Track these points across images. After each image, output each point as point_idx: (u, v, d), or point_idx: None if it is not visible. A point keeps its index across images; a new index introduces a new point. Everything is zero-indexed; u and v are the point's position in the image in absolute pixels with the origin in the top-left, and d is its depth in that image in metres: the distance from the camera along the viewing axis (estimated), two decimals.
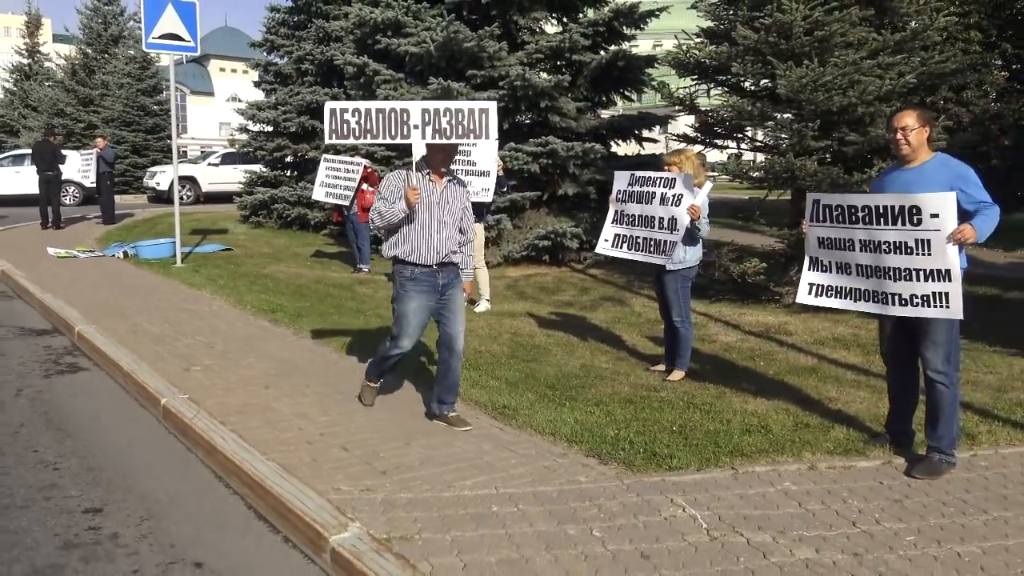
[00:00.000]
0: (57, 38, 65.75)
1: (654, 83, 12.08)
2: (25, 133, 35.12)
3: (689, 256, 5.75)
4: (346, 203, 10.67)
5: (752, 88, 9.19)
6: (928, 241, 4.00)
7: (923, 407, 4.35)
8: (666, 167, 5.80)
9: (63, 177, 16.14)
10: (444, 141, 4.53)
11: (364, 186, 10.66)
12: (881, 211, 4.16)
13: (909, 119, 4.19)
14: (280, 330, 7.07)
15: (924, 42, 8.74)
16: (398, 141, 4.55)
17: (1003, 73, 15.71)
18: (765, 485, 3.86)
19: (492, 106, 4.56)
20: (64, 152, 16.49)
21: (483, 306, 8.18)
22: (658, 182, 5.67)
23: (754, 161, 9.31)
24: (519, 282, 10.29)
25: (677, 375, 5.75)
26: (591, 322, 7.81)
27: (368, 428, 4.56)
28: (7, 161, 23.67)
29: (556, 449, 4.31)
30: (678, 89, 9.70)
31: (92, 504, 3.71)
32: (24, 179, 21.06)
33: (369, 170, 10.85)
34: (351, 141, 4.66)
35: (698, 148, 8.94)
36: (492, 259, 11.21)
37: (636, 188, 5.79)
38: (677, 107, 9.70)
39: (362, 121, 4.52)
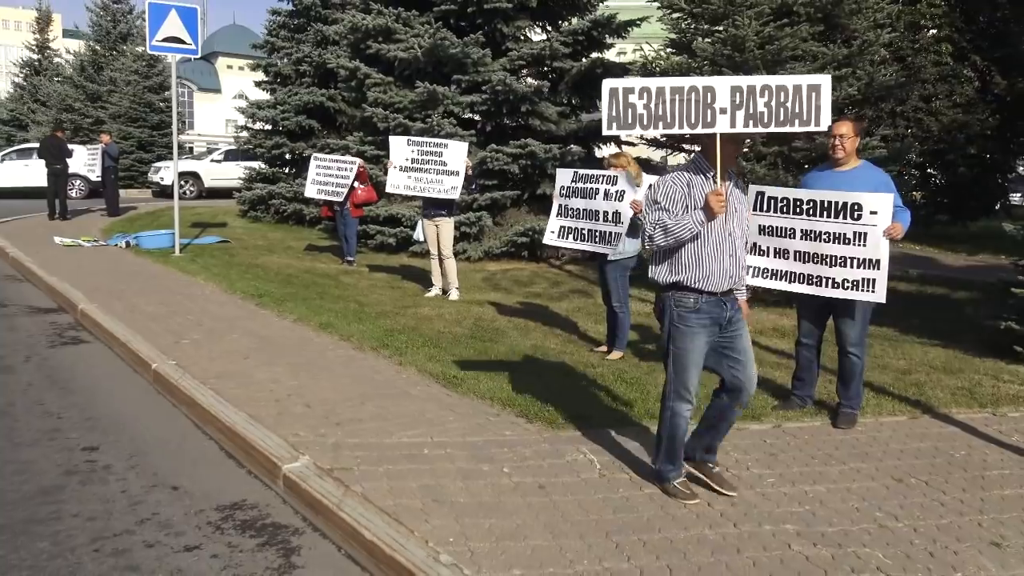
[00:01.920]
0: (67, 33, 66.71)
1: None
2: (34, 127, 35.86)
3: (628, 248, 6.42)
4: (339, 199, 11.32)
5: None
6: (865, 234, 4.68)
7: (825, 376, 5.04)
8: (609, 168, 6.47)
9: (70, 171, 16.87)
10: (760, 129, 3.56)
11: (356, 184, 11.34)
12: (825, 205, 4.81)
13: (846, 128, 4.91)
14: (265, 312, 7.75)
15: (871, 56, 9.37)
16: (699, 131, 3.55)
17: (975, 84, 16.33)
18: None
19: (826, 81, 3.52)
20: (71, 147, 17.22)
21: (453, 295, 8.85)
22: (600, 179, 6.36)
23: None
24: (496, 275, 10.94)
25: (616, 354, 6.42)
26: (553, 311, 8.47)
27: (331, 391, 5.24)
28: (15, 155, 24.41)
29: (491, 410, 4.98)
30: None
31: (89, 444, 4.41)
32: (32, 172, 21.78)
33: (361, 168, 11.53)
34: (637, 131, 3.70)
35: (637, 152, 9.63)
36: (473, 254, 11.91)
37: (579, 184, 6.47)
38: None
39: (652, 105, 3.58)
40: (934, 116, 15.77)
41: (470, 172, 8.76)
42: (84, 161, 19.06)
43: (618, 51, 11.71)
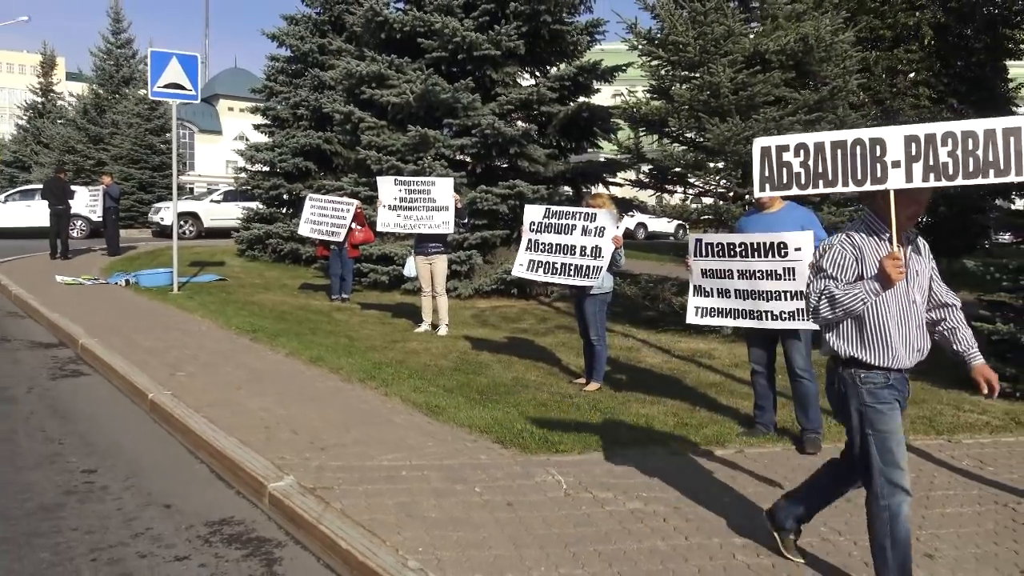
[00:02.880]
0: (70, 76, 67.76)
1: (615, 133, 13.23)
2: (37, 169, 36.44)
3: (606, 283, 6.75)
4: (337, 239, 11.66)
5: (691, 139, 10.27)
6: (793, 269, 5.08)
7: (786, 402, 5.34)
8: (588, 207, 6.83)
9: (72, 211, 17.28)
10: (944, 183, 3.10)
11: (353, 224, 11.71)
12: (755, 247, 5.24)
13: None
14: (258, 346, 8.05)
15: (841, 101, 9.79)
16: (866, 188, 3.18)
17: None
18: (629, 463, 4.80)
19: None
20: (73, 188, 17.65)
21: (442, 330, 9.15)
22: (578, 216, 6.71)
23: (691, 205, 10.31)
24: (485, 312, 11.26)
25: (593, 386, 6.71)
26: (537, 344, 8.77)
27: (318, 419, 5.52)
28: (18, 195, 24.86)
29: (469, 437, 5.26)
30: (627, 139, 10.81)
31: (88, 467, 4.69)
32: (34, 212, 22.21)
33: (359, 209, 11.90)
34: (793, 191, 3.38)
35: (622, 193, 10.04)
36: (464, 291, 12.23)
37: (552, 220, 6.83)
38: (626, 155, 10.81)
39: (810, 163, 3.30)
40: None
41: (459, 206, 9.12)
42: (86, 202, 19.50)
43: (614, 92, 12.13)
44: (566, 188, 13.98)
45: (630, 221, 29.13)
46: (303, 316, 10.14)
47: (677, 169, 10.09)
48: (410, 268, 9.64)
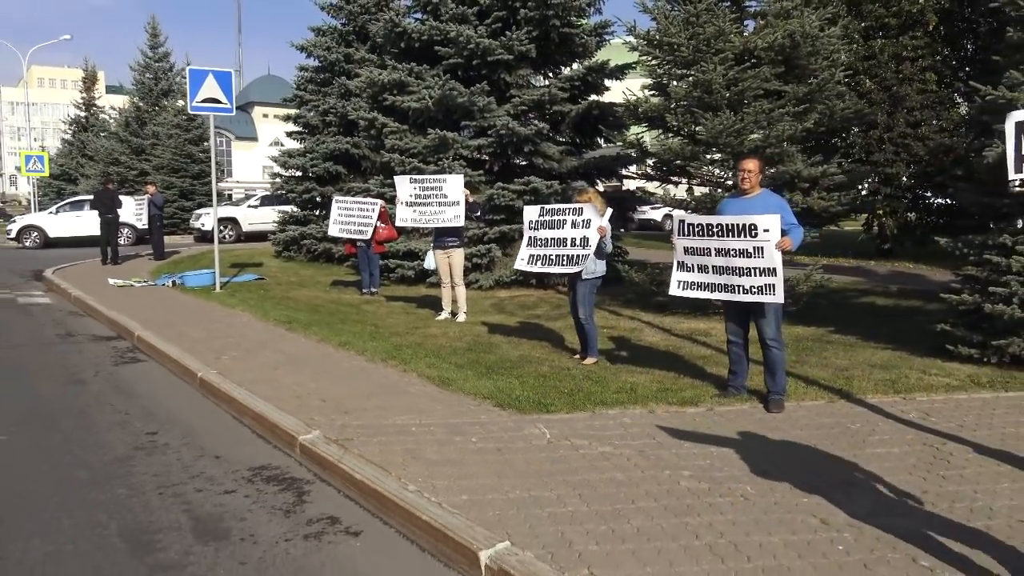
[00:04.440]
0: (110, 89, 69.98)
1: (626, 128, 13.92)
2: (83, 181, 38.08)
3: (597, 268, 7.50)
4: (364, 238, 12.53)
5: (688, 133, 10.94)
6: (762, 248, 5.77)
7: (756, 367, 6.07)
8: (576, 203, 7.58)
9: (119, 220, 18.44)
10: None
11: (378, 223, 12.57)
12: (730, 227, 5.94)
13: (752, 164, 6.06)
14: (293, 335, 8.93)
15: (829, 92, 10.39)
16: None
17: (962, 109, 17.22)
18: (608, 420, 5.56)
19: None
20: (120, 198, 18.82)
21: (461, 317, 9.96)
22: (567, 211, 7.48)
23: (691, 195, 10.97)
24: (503, 301, 12.04)
25: (590, 360, 7.47)
26: (547, 328, 9.53)
27: (344, 392, 6.36)
28: (68, 206, 26.23)
29: (472, 402, 6.06)
30: (631, 135, 11.53)
31: (150, 429, 5.60)
32: (84, 222, 23.52)
33: (382, 209, 12.75)
34: None
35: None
36: (485, 283, 13.03)
37: (546, 218, 7.59)
38: (629, 149, 11.53)
39: None
40: (921, 141, 16.67)
41: (471, 200, 9.92)
42: (132, 211, 20.67)
43: (624, 89, 12.80)
44: (581, 183, 14.68)
45: (657, 213, 29.74)
46: (334, 308, 11.02)
47: (677, 162, 10.77)
48: (430, 261, 10.45)
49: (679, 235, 6.32)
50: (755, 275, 5.80)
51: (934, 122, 16.68)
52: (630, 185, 15.70)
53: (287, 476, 4.68)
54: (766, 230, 5.73)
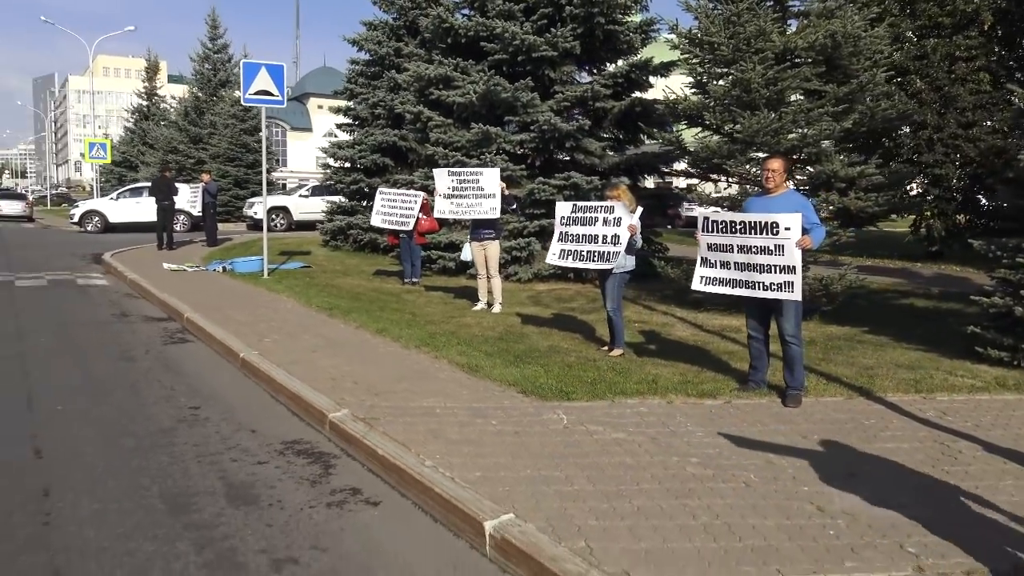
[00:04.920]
0: (172, 79, 71.83)
1: (671, 126, 14.00)
2: (143, 168, 39.31)
3: (627, 263, 7.68)
4: (407, 228, 12.86)
5: (727, 131, 11.02)
6: (783, 246, 5.91)
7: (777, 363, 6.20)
8: (607, 199, 7.77)
9: (176, 207, 19.13)
10: None
11: (420, 214, 12.89)
12: (752, 225, 6.08)
13: (777, 164, 6.19)
14: (333, 321, 9.28)
15: (871, 92, 10.37)
16: None
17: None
18: (626, 409, 5.76)
19: None
20: (177, 186, 19.50)
21: (496, 308, 10.21)
22: (599, 209, 7.67)
23: (729, 193, 11.05)
24: (541, 294, 12.27)
25: (616, 352, 7.66)
26: (579, 320, 9.74)
27: (376, 375, 6.66)
28: (128, 193, 27.19)
29: (498, 388, 6.30)
30: (676, 132, 11.64)
31: (193, 404, 5.97)
32: (143, 209, 24.39)
33: (425, 200, 13.07)
34: None
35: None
36: (524, 275, 13.27)
37: (578, 215, 7.79)
38: (669, 147, 11.65)
39: None
40: (972, 142, 16.42)
41: (507, 193, 10.16)
42: (187, 198, 21.38)
43: (665, 87, 12.91)
44: (622, 178, 14.81)
45: (708, 210, 29.56)
46: (375, 297, 11.37)
47: (715, 160, 10.85)
48: (466, 253, 10.73)
49: (703, 231, 6.47)
50: (775, 272, 5.93)
51: (987, 123, 16.39)
52: (680, 183, 15.80)
53: (316, 450, 4.98)
54: (787, 228, 5.85)
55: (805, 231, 5.88)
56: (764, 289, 6.01)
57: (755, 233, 6.04)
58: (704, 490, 4.19)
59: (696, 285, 6.63)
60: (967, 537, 3.65)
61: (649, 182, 15.80)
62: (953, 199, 17.34)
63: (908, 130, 15.57)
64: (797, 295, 5.84)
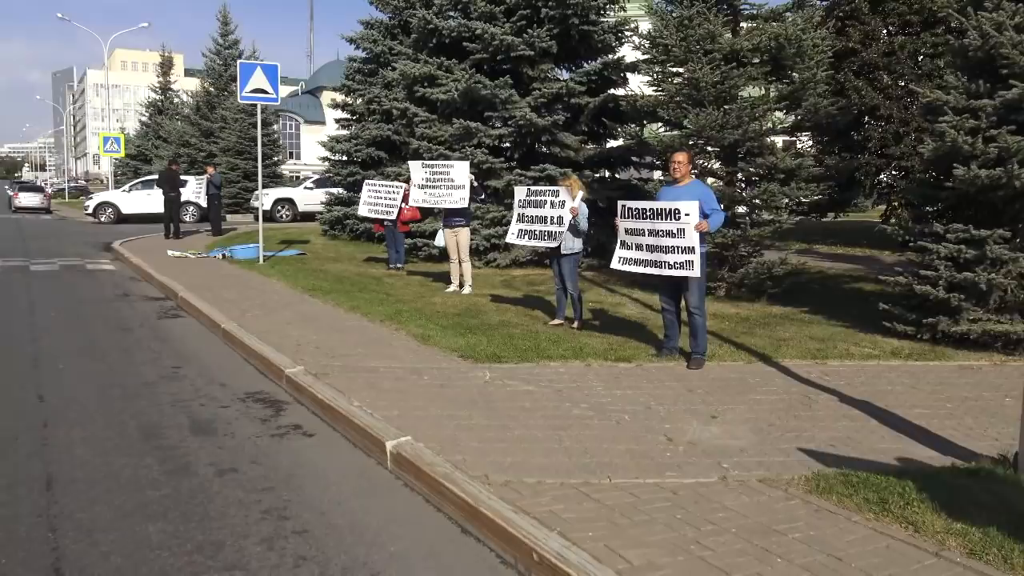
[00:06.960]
0: (189, 72, 73.00)
1: (644, 121, 14.86)
2: (157, 161, 40.48)
3: (576, 245, 8.57)
4: (391, 218, 13.81)
5: (681, 126, 11.88)
6: (684, 229, 6.79)
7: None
8: (560, 185, 8.69)
9: (183, 198, 20.19)
10: None
11: (403, 205, 13.83)
12: (659, 211, 6.98)
13: (680, 157, 7.08)
14: (312, 300, 10.25)
15: (813, 90, 11.19)
16: None
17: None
18: (547, 369, 6.67)
19: None
20: (184, 178, 20.56)
21: (466, 290, 11.14)
22: (547, 193, 8.62)
23: None
24: (515, 278, 13.16)
25: (555, 322, 8.58)
26: (541, 299, 10.62)
27: (338, 342, 7.61)
28: (140, 185, 28.30)
29: (441, 354, 7.22)
30: (648, 128, 12.54)
31: (175, 364, 6.98)
32: (154, 200, 25.42)
33: (407, 191, 14.00)
34: None
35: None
36: (502, 261, 14.18)
37: (532, 198, 8.73)
38: (630, 141, 12.53)
39: None
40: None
41: (475, 184, 11.08)
42: (193, 189, 22.42)
43: (629, 85, 13.78)
44: (585, 171, 15.64)
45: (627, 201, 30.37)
46: (358, 280, 12.33)
47: (670, 153, 11.71)
48: (439, 239, 11.66)
49: (621, 218, 7.36)
50: (678, 252, 6.81)
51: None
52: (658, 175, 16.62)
53: (272, 399, 5.96)
54: (687, 214, 6.74)
55: (705, 216, 6.76)
56: (669, 268, 6.89)
57: (661, 219, 6.92)
58: (580, 425, 5.11)
59: (615, 264, 7.51)
60: (777, 461, 4.54)
61: (627, 175, 16.62)
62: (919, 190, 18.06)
63: (873, 123, 16.33)
64: (696, 272, 6.72)
